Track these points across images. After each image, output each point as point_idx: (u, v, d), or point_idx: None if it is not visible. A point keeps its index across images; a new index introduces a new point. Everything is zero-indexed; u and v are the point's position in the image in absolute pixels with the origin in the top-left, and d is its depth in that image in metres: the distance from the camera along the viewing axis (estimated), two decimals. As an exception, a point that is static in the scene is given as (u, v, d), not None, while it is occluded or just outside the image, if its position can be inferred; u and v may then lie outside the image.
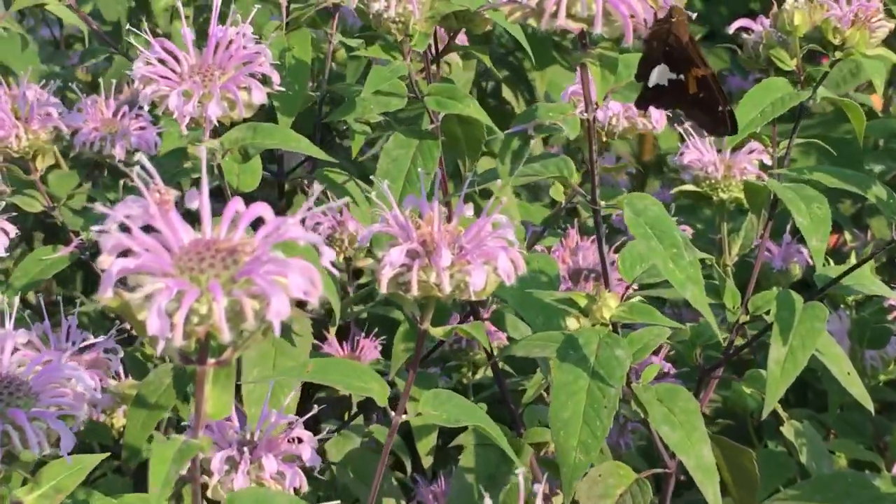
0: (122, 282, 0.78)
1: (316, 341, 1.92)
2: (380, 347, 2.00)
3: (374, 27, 1.35)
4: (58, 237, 1.85)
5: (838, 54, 1.46)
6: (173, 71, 1.28)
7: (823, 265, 1.39)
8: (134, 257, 0.76)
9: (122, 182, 1.86)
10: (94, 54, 1.83)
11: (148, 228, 0.79)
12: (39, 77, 2.74)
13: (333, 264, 1.11)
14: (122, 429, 1.71)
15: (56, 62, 3.22)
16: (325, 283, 1.34)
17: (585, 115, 1.07)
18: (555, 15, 0.96)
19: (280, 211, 1.88)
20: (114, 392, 1.63)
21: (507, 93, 2.73)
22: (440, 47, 1.56)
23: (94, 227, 0.77)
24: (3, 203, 1.60)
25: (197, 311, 0.76)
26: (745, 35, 1.57)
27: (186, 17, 2.86)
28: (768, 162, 1.65)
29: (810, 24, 1.45)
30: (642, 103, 1.25)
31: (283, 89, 1.27)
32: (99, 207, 0.76)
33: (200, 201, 0.81)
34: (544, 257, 1.59)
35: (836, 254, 2.45)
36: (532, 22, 0.99)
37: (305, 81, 1.49)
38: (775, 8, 1.49)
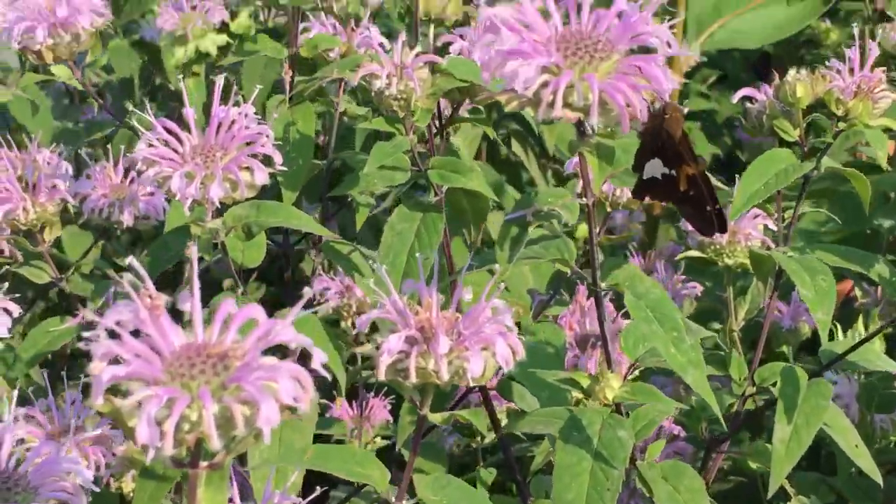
0: (115, 386, 0.78)
1: (324, 400, 1.92)
2: (389, 406, 2.00)
3: (376, 104, 1.36)
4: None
5: (842, 125, 1.46)
6: (175, 151, 1.28)
7: (830, 338, 1.38)
8: (124, 364, 0.76)
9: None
10: (101, 127, 1.84)
11: (138, 332, 0.79)
12: (52, 134, 2.77)
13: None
14: (131, 493, 1.71)
15: (70, 117, 3.25)
16: (330, 355, 1.35)
17: (584, 200, 1.07)
18: (551, 105, 0.96)
19: (287, 282, 1.89)
20: (122, 457, 1.63)
21: (516, 147, 2.74)
22: (443, 115, 1.56)
23: (85, 333, 0.77)
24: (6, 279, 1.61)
25: (188, 417, 0.75)
26: (748, 104, 1.57)
27: (196, 75, 2.88)
28: (773, 227, 1.65)
29: (813, 96, 1.45)
30: (638, 193, 1.26)
31: (285, 168, 1.27)
32: (88, 315, 0.76)
33: (192, 304, 0.81)
34: (551, 327, 1.59)
35: (848, 305, 2.44)
36: (529, 111, 0.99)
37: (309, 156, 1.50)
38: (777, 79, 1.49)
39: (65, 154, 1.74)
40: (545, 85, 0.98)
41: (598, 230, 1.11)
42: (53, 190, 1.65)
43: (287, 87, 1.53)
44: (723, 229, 1.28)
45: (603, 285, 1.16)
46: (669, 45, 0.99)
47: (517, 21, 1.00)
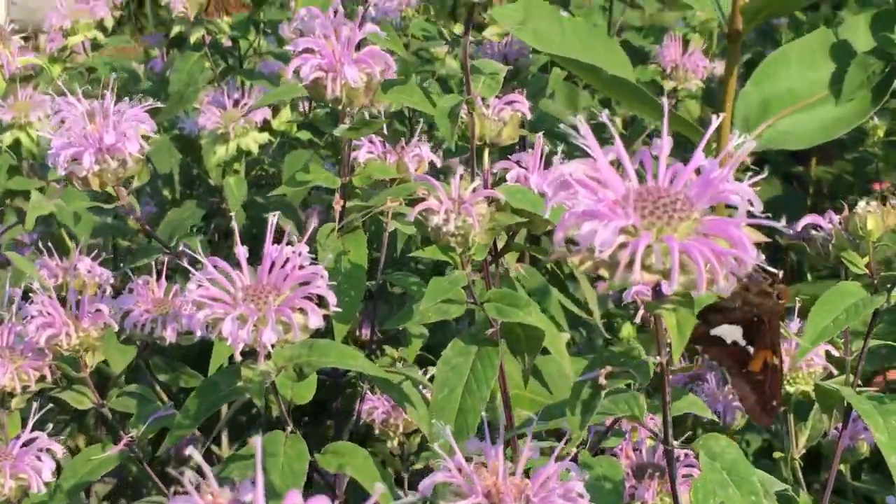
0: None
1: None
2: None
3: (433, 240, 1.31)
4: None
5: (915, 258, 1.41)
6: (227, 291, 1.24)
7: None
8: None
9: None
10: (147, 253, 1.80)
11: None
12: (92, 229, 2.74)
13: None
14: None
15: (107, 212, 3.22)
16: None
17: (658, 358, 1.02)
18: (629, 268, 0.92)
19: (337, 410, 1.84)
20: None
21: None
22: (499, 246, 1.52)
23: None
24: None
25: None
26: (813, 231, 1.52)
27: (236, 172, 2.86)
28: (835, 352, 1.60)
29: (884, 228, 1.40)
30: (695, 341, 1.20)
31: (339, 310, 1.22)
32: None
33: (255, 497, 0.77)
34: (608, 461, 1.53)
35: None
36: (603, 273, 0.94)
37: (362, 287, 1.45)
38: (846, 211, 1.44)
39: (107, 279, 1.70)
40: (622, 246, 0.93)
41: (669, 391, 1.06)
42: (97, 314, 1.62)
43: (337, 216, 1.49)
44: (769, 423, 1.23)
45: (675, 443, 1.11)
46: (752, 204, 0.94)
47: (591, 178, 0.95)
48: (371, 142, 1.71)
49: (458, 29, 2.68)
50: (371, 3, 1.43)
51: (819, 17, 4.02)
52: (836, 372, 1.61)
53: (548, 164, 1.51)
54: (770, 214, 0.94)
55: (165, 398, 1.96)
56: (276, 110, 3.06)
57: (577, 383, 1.04)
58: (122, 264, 2.37)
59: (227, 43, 3.15)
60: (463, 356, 1.41)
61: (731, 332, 1.17)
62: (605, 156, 0.98)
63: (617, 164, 0.99)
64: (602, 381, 1.03)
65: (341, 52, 1.33)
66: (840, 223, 1.45)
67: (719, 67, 3.77)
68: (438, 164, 1.70)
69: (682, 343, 0.93)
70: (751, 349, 1.20)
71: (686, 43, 3.06)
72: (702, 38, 4.15)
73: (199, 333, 1.21)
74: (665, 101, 1.01)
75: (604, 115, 1.00)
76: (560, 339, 1.73)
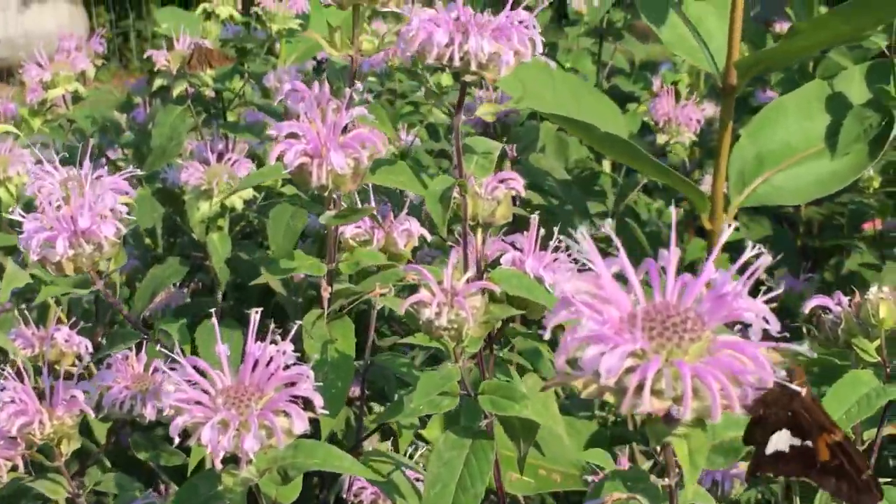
0: None
1: None
2: None
3: (425, 332, 1.25)
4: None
5: (929, 345, 1.35)
6: (206, 392, 1.17)
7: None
8: None
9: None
10: (125, 339, 1.73)
11: None
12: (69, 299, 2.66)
13: None
14: None
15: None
16: None
17: (667, 481, 0.95)
18: (638, 393, 0.85)
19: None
20: None
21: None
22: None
23: None
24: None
25: None
26: (822, 314, 1.46)
27: (220, 228, 2.79)
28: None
29: (897, 316, 1.34)
30: (759, 470, 1.13)
31: (325, 412, 1.15)
32: None
33: None
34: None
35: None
36: (609, 399, 0.87)
37: (349, 378, 1.38)
38: (857, 297, 1.38)
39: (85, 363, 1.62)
40: (629, 370, 0.86)
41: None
42: (72, 401, 1.54)
43: (325, 303, 1.42)
44: (880, 493, 1.14)
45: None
46: (768, 322, 0.88)
47: (595, 297, 0.89)
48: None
49: (445, 80, 2.63)
50: (357, 86, 1.36)
51: (808, 57, 3.97)
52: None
53: (544, 245, 1.44)
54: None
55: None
56: (260, 163, 3.00)
57: (581, 510, 0.97)
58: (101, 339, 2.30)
59: (210, 94, 3.09)
60: (456, 450, 1.34)
61: (783, 440, 1.10)
62: (609, 268, 0.91)
63: (623, 281, 0.93)
64: (607, 509, 0.96)
65: (327, 136, 1.26)
66: (850, 307, 1.38)
67: (709, 109, 3.73)
68: (429, 237, 1.64)
69: (695, 474, 0.87)
70: (809, 443, 1.13)
71: (677, 93, 3.01)
72: (689, 78, 4.11)
73: (177, 440, 1.14)
74: (674, 210, 0.94)
75: (606, 226, 0.94)
76: (552, 401, 1.66)
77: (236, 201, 2.72)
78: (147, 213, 3.12)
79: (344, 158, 1.25)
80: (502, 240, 1.45)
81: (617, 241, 0.93)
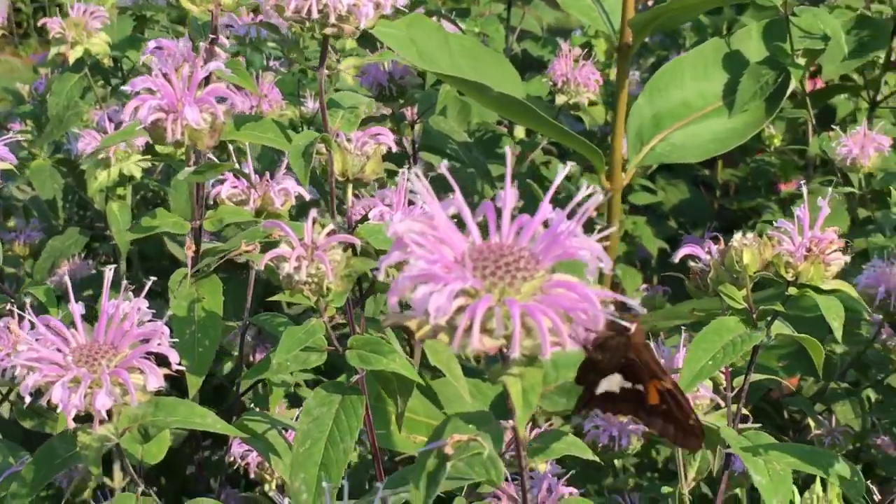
0: None
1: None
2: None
3: (285, 288, 1.23)
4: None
5: (792, 290, 1.36)
6: (59, 351, 1.15)
7: None
8: None
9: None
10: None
11: None
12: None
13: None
14: None
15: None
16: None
17: (512, 423, 0.95)
18: (468, 332, 0.84)
19: (199, 463, 1.75)
20: None
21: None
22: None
23: None
24: None
25: None
26: (692, 263, 1.46)
27: (121, 198, 2.75)
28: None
29: (761, 263, 1.34)
30: (588, 407, 1.14)
31: (183, 367, 1.14)
32: None
33: None
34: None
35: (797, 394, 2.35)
36: (444, 338, 0.87)
37: (217, 337, 1.36)
38: (722, 244, 1.38)
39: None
40: (460, 310, 0.86)
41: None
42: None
43: (189, 262, 1.40)
44: (703, 437, 1.16)
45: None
46: (601, 261, 0.88)
47: (429, 237, 0.88)
48: (235, 176, 1.62)
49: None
50: (218, 37, 1.34)
51: (722, 19, 3.98)
52: (723, 404, 1.55)
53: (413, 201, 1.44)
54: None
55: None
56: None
57: (422, 453, 0.96)
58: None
59: (109, 63, 3.04)
60: (326, 406, 1.33)
61: (615, 383, 1.11)
62: (445, 210, 0.91)
63: (459, 222, 0.92)
64: (449, 450, 0.95)
65: (182, 91, 1.24)
66: (718, 255, 1.39)
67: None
68: (307, 196, 1.62)
69: (527, 413, 0.86)
70: (640, 387, 1.14)
71: (590, 50, 3.01)
72: (606, 44, 4.12)
73: (28, 399, 1.12)
74: (509, 151, 0.93)
75: (443, 167, 0.93)
76: (455, 362, 1.65)
77: (134, 170, 2.67)
78: (47, 184, 3.06)
79: (199, 113, 1.23)
80: (372, 195, 1.44)
81: (453, 182, 0.92)
